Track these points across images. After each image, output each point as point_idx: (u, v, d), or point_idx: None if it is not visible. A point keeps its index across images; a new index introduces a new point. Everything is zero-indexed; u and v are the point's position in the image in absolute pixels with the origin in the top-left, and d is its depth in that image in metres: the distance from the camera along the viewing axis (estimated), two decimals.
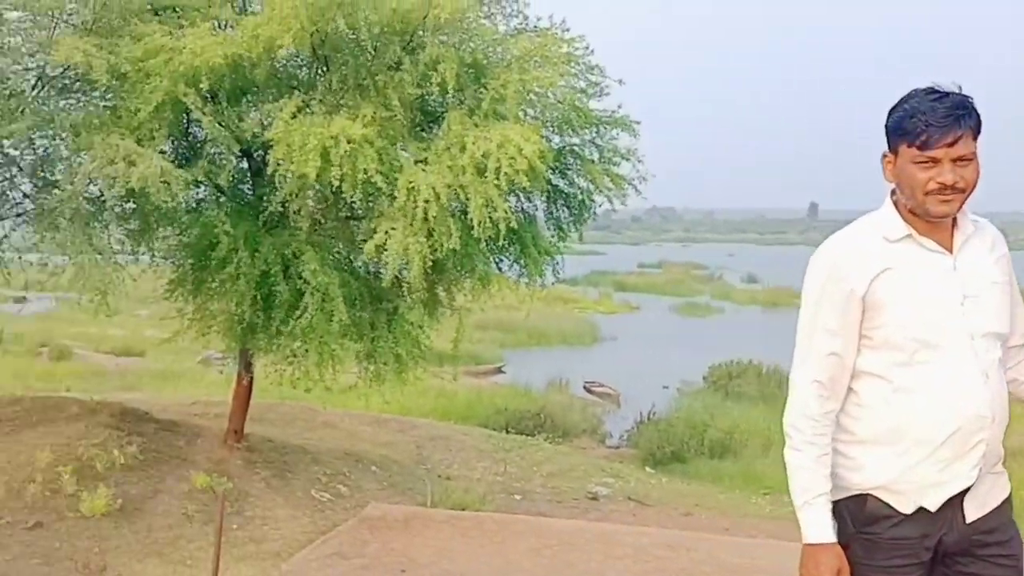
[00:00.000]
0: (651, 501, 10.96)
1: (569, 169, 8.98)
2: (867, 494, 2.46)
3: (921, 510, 2.43)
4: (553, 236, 9.26)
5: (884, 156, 2.50)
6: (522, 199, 8.81)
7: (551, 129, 8.41)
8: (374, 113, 6.92)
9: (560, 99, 8.17)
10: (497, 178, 6.74)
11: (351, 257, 8.36)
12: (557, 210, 9.22)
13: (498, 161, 6.70)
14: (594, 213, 9.44)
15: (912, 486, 2.43)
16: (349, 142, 6.54)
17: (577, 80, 8.40)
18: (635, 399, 19.45)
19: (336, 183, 6.61)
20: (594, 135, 8.78)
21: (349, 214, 7.79)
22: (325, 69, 7.57)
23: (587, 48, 8.22)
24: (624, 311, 41.49)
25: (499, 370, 24.11)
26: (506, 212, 6.93)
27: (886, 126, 2.46)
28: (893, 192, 2.53)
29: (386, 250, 6.83)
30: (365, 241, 7.26)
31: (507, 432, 14.53)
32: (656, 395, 19.53)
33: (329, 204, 7.46)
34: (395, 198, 6.75)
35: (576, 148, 8.84)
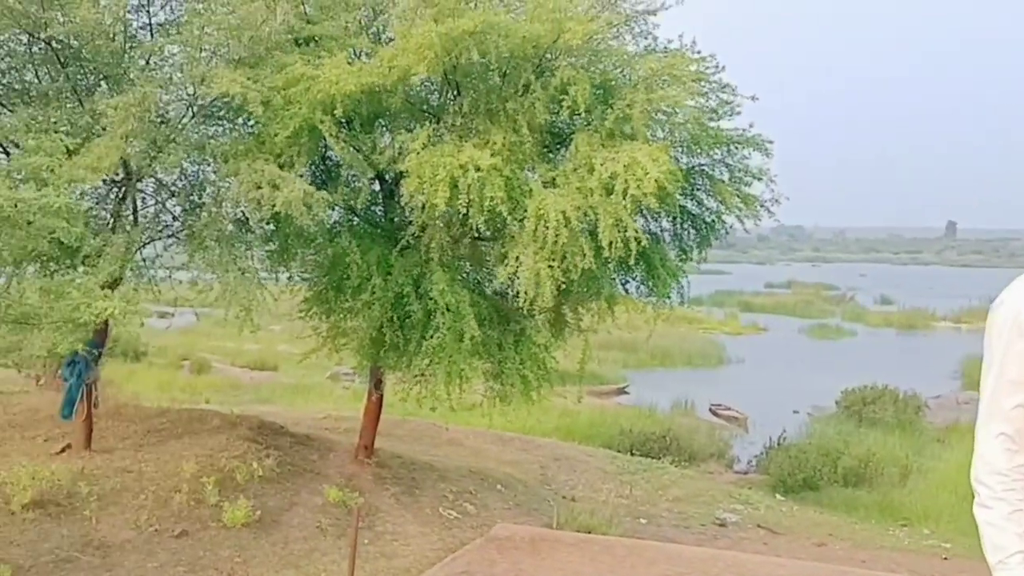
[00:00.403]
0: (782, 529, 10.63)
1: (698, 189, 8.87)
2: None
3: None
4: (677, 257, 9.15)
5: None
6: (649, 220, 8.75)
7: (680, 149, 8.33)
8: (504, 138, 7.01)
9: (688, 119, 8.09)
10: (624, 199, 6.71)
11: (479, 278, 8.48)
12: (683, 231, 9.11)
13: (626, 182, 6.68)
14: (724, 233, 9.29)
15: None
16: (478, 170, 6.65)
17: (707, 100, 8.30)
18: (763, 423, 18.97)
19: (464, 210, 6.72)
20: (724, 154, 8.65)
21: (478, 235, 7.90)
22: (456, 95, 7.72)
23: (717, 67, 8.12)
24: (751, 332, 40.60)
25: (622, 391, 23.92)
26: (636, 231, 6.89)
27: None
28: None
29: (518, 277, 6.89)
30: (494, 263, 7.35)
31: (631, 454, 14.36)
32: (786, 419, 19.00)
33: (457, 228, 7.58)
34: (524, 223, 6.81)
35: (706, 168, 8.72)
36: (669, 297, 8.83)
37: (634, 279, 8.90)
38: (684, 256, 9.22)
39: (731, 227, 8.93)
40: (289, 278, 8.82)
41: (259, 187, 7.00)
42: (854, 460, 14.23)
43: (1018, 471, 2.39)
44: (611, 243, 6.82)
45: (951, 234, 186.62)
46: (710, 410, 21.49)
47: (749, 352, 32.50)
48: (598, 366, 24.24)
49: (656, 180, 6.62)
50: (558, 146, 7.99)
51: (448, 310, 7.49)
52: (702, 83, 8.06)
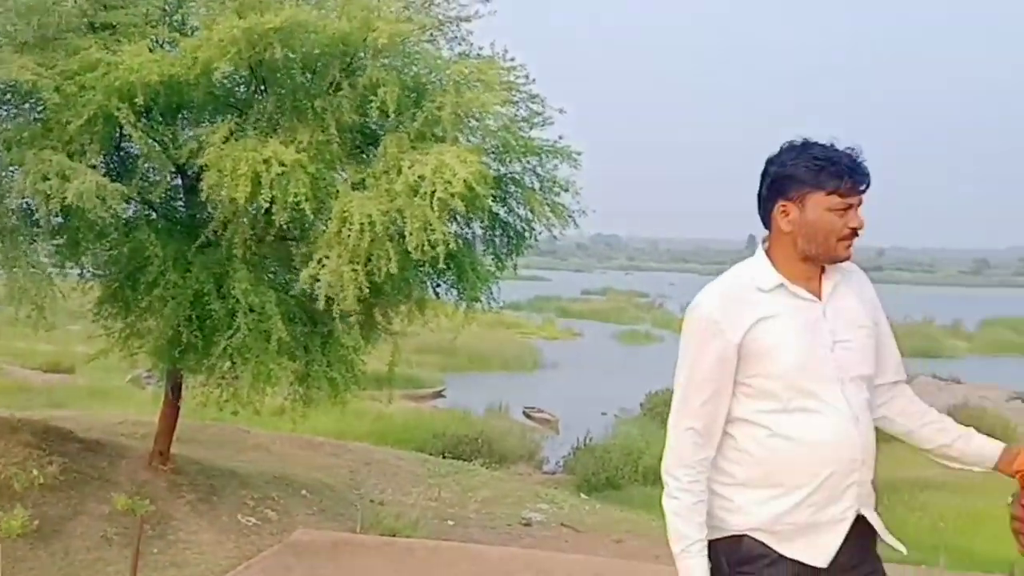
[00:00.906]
0: (584, 527, 10.97)
1: (509, 197, 9.02)
2: (743, 535, 2.51)
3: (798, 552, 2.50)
4: (491, 264, 9.27)
5: (780, 207, 2.55)
6: (461, 224, 8.83)
7: (491, 156, 8.45)
8: (311, 137, 6.89)
9: (500, 126, 8.22)
10: (432, 201, 6.72)
11: (287, 279, 8.29)
12: (495, 237, 9.24)
13: (433, 184, 6.69)
14: (534, 241, 9.48)
15: (789, 528, 2.49)
16: (282, 166, 6.50)
17: (517, 109, 8.47)
18: (574, 425, 19.53)
19: (267, 206, 6.57)
20: (535, 164, 8.84)
21: (283, 234, 7.73)
22: (263, 90, 7.53)
23: (528, 77, 8.29)
24: (567, 337, 41.68)
25: (439, 394, 24.03)
26: (444, 234, 6.92)
27: (790, 175, 2.52)
28: (765, 241, 2.60)
29: (319, 280, 6.78)
30: (301, 263, 7.21)
31: (443, 457, 14.45)
32: (594, 421, 19.62)
33: (261, 226, 7.39)
34: (328, 224, 6.72)
35: (517, 176, 8.88)
36: (479, 301, 8.94)
37: (445, 282, 8.95)
38: (498, 262, 9.35)
39: (540, 234, 9.14)
40: (80, 275, 8.34)
41: (47, 178, 6.58)
42: (655, 460, 14.83)
43: (703, 464, 2.52)
44: (418, 246, 6.82)
45: (751, 246, 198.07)
46: (524, 413, 21.92)
47: (564, 356, 33.38)
48: (415, 369, 24.26)
49: (464, 180, 6.66)
50: (368, 147, 7.93)
51: (252, 310, 7.29)
52: (513, 92, 8.21)
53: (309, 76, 7.46)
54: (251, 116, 7.20)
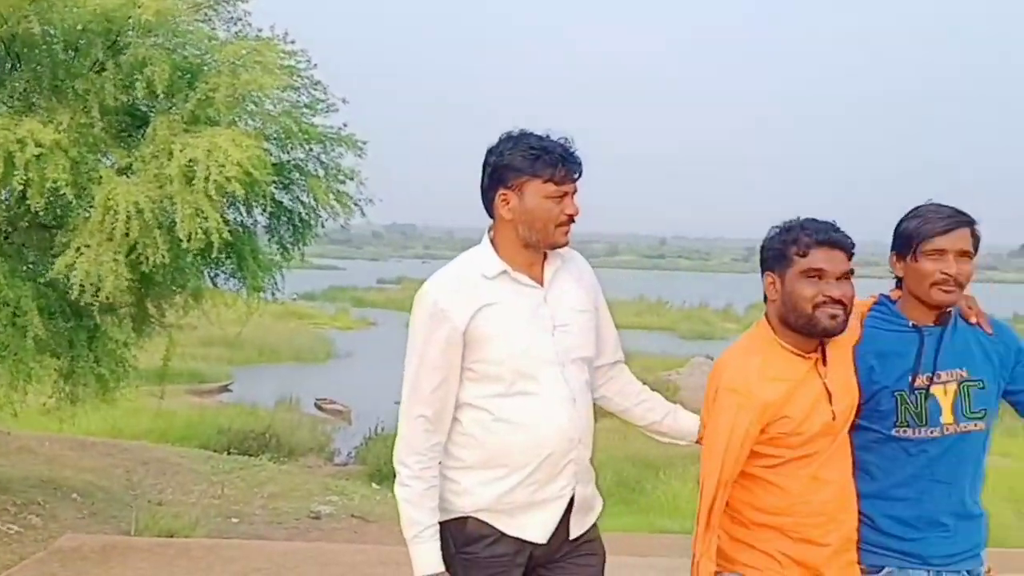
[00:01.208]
0: (374, 517, 10.94)
1: (293, 184, 8.82)
2: (469, 516, 2.62)
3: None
4: (276, 253, 9.05)
5: (501, 195, 2.65)
6: (242, 212, 8.56)
7: (273, 142, 8.24)
8: (72, 118, 6.45)
9: (281, 112, 8.02)
10: (207, 186, 6.46)
11: (45, 269, 7.74)
12: (280, 226, 9.01)
13: (207, 169, 6.44)
14: (320, 230, 9.32)
15: (510, 507, 2.60)
16: (38, 146, 6.06)
17: (300, 94, 8.29)
18: (367, 415, 19.40)
19: (20, 188, 6.11)
20: (319, 151, 8.69)
21: (42, 222, 7.21)
22: (17, 66, 6.98)
23: (309, 62, 8.13)
24: (361, 327, 41.35)
25: (225, 388, 23.22)
26: (218, 222, 6.67)
27: (507, 164, 2.62)
28: (490, 229, 2.71)
29: (75, 269, 6.37)
30: (61, 252, 6.75)
31: (229, 453, 13.99)
32: (387, 411, 19.57)
33: (15, 211, 6.86)
34: (91, 212, 6.32)
35: (300, 163, 8.70)
36: (262, 291, 8.70)
37: (224, 272, 8.65)
38: (284, 251, 9.11)
39: (325, 222, 8.99)
40: None
41: None
42: None
43: (435, 450, 2.60)
44: (190, 235, 6.55)
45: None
46: (315, 405, 21.59)
47: (358, 346, 33.09)
48: (200, 363, 23.32)
49: (239, 163, 6.44)
50: (137, 130, 7.52)
51: (7, 304, 6.77)
52: (294, 76, 8.03)
53: (71, 53, 6.98)
54: (2, 94, 6.66)
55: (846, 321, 2.57)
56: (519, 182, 2.61)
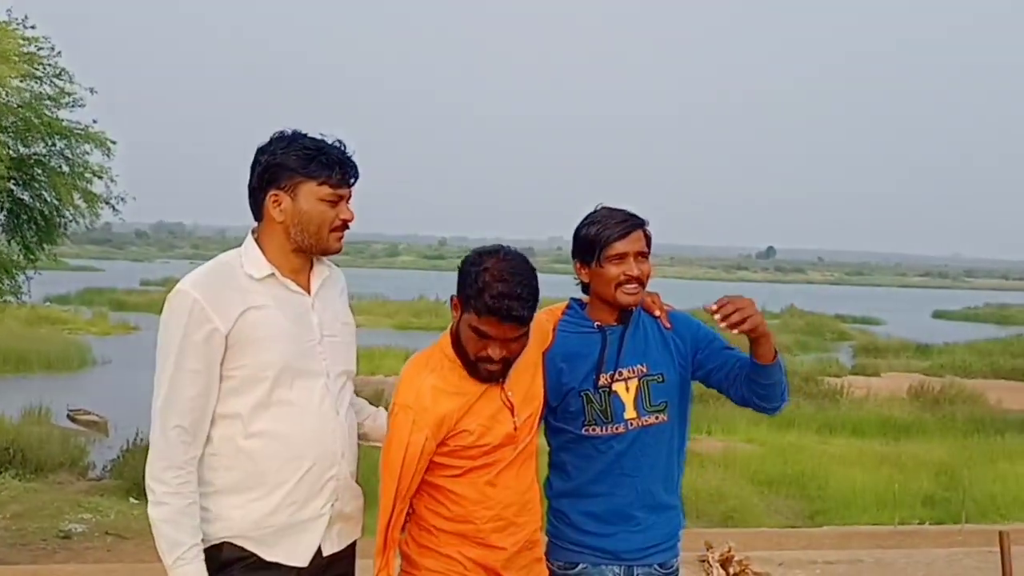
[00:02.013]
0: (131, 534, 10.34)
1: (35, 181, 8.24)
2: (223, 542, 2.40)
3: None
4: (17, 253, 8.42)
5: (272, 196, 2.47)
6: None
7: (10, 135, 7.65)
8: None
9: (21, 103, 7.47)
10: None
11: None
12: (21, 225, 8.39)
13: None
14: (78, 229, 8.76)
15: (269, 531, 2.42)
16: None
17: (42, 85, 7.76)
18: (126, 426, 18.23)
19: None
20: (63, 147, 8.16)
21: None
22: None
23: (53, 49, 7.61)
24: (122, 332, 38.78)
25: None
26: None
27: (280, 164, 2.46)
28: (255, 231, 2.52)
29: None
30: None
31: None
32: (149, 421, 18.54)
33: None
34: None
35: (42, 159, 8.13)
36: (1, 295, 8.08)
37: None
38: (28, 252, 8.49)
39: (70, 221, 8.45)
40: None
41: None
42: None
43: (192, 463, 2.37)
44: None
45: None
46: (68, 416, 20.09)
47: (118, 353, 31.05)
48: None
49: None
50: None
51: None
52: (35, 65, 7.50)
53: None
54: None
55: (507, 370, 2.58)
56: (293, 183, 2.46)
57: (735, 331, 2.58)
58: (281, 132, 2.51)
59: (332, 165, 2.46)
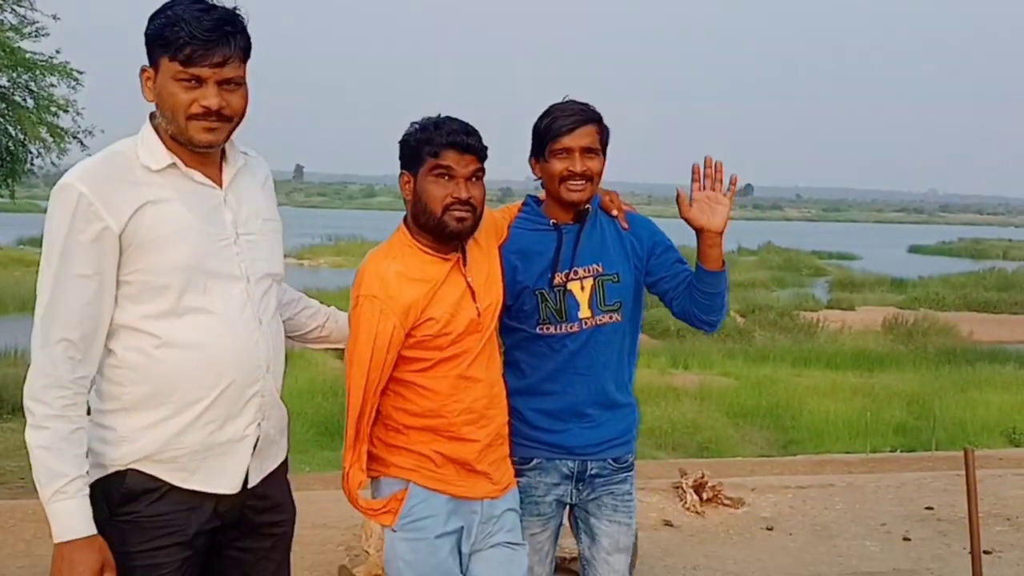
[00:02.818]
0: None
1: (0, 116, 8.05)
2: (128, 469, 2.13)
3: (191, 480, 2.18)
4: None
5: (143, 70, 2.17)
6: None
7: None
8: None
9: None
10: None
11: None
12: None
13: None
14: (30, 166, 8.57)
15: (182, 453, 2.15)
16: None
17: (2, 12, 7.54)
18: None
19: None
20: (28, 80, 7.97)
21: None
22: None
23: None
24: None
25: None
26: None
27: (146, 33, 2.15)
28: (153, 116, 2.20)
29: None
30: None
31: None
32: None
33: None
34: None
35: (5, 92, 7.94)
36: None
37: None
38: None
39: (36, 157, 8.28)
40: None
41: None
42: None
43: (82, 384, 2.09)
44: None
45: (299, 177, 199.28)
46: None
47: None
48: None
49: None
50: None
51: None
52: None
53: None
54: None
55: (474, 224, 2.55)
56: (155, 57, 2.11)
57: (707, 191, 2.69)
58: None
59: (184, 36, 2.04)
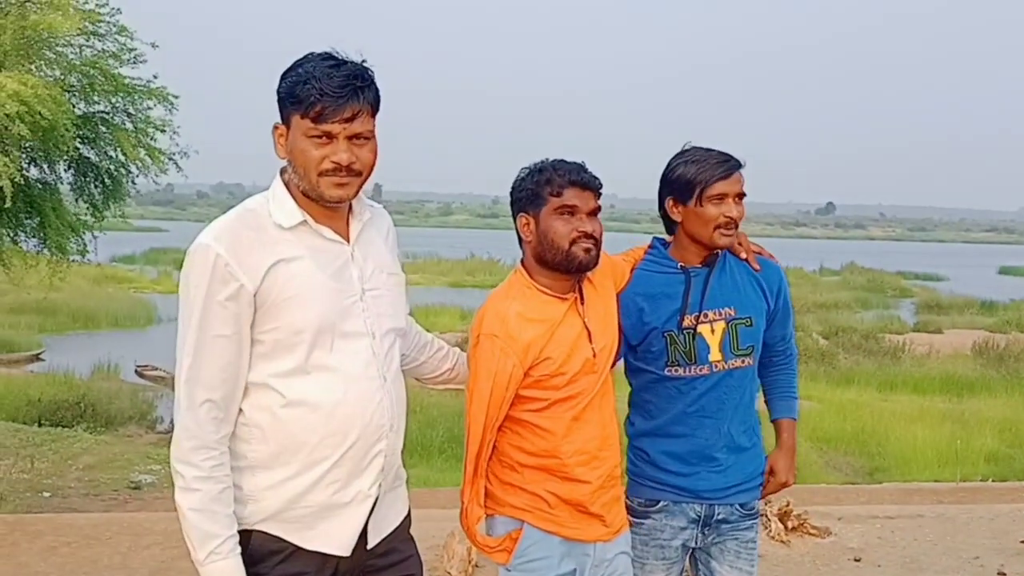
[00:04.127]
0: None
1: (100, 139, 8.37)
2: (252, 530, 2.16)
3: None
4: (86, 213, 8.58)
5: (275, 128, 2.20)
6: (44, 168, 8.08)
7: (76, 93, 7.77)
8: None
9: (84, 60, 7.58)
10: None
11: None
12: (88, 183, 8.54)
13: None
14: (142, 190, 8.88)
15: (305, 513, 2.16)
16: None
17: (104, 42, 7.85)
18: None
19: None
20: (127, 104, 8.26)
21: None
22: None
23: (112, 8, 7.71)
24: None
25: (37, 357, 21.89)
26: (8, 164, 6.21)
27: (278, 92, 2.18)
28: (284, 171, 2.22)
29: None
30: None
31: (40, 425, 13.23)
32: None
33: None
34: None
35: (106, 116, 8.25)
36: (67, 252, 8.26)
37: (25, 232, 8.15)
38: (95, 211, 8.62)
39: (136, 178, 8.56)
40: None
41: None
42: None
43: (225, 442, 2.12)
44: None
45: (377, 195, 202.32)
46: (136, 371, 20.65)
47: None
48: (7, 331, 21.89)
49: (21, 98, 5.99)
50: None
51: None
52: (96, 23, 7.59)
53: None
54: None
55: (598, 256, 2.59)
56: (286, 114, 2.14)
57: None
58: (310, 53, 2.17)
59: (315, 93, 2.06)
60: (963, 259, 74.67)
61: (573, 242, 2.53)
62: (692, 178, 2.71)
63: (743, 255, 2.83)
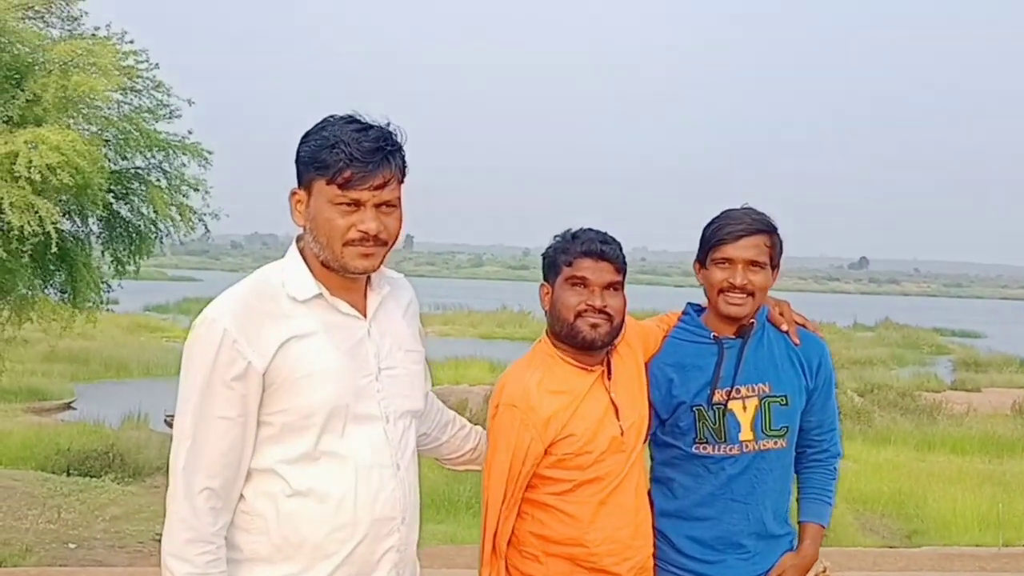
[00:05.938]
0: None
1: (132, 194, 8.45)
2: None
3: None
4: (110, 267, 8.64)
5: (293, 193, 2.08)
6: (77, 221, 8.16)
7: (111, 148, 7.88)
8: None
9: (120, 116, 7.69)
10: (30, 172, 6.07)
11: None
12: (115, 238, 8.58)
13: (29, 159, 6.09)
14: (159, 243, 8.94)
15: None
16: None
17: (140, 97, 7.96)
18: None
19: None
20: (161, 160, 8.36)
21: None
22: None
23: (151, 63, 7.83)
24: None
25: (68, 406, 22.01)
26: (50, 211, 6.31)
27: (298, 155, 2.07)
28: (300, 239, 2.12)
29: None
30: None
31: (68, 475, 13.23)
32: None
33: None
34: None
35: (141, 172, 8.34)
36: (90, 303, 8.32)
37: (54, 284, 8.22)
38: (119, 264, 8.65)
39: (164, 235, 8.63)
40: None
41: None
42: None
43: (222, 534, 1.98)
44: (22, 227, 6.14)
45: (409, 246, 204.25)
46: (165, 421, 20.68)
47: None
48: (39, 379, 22.07)
49: (61, 150, 6.10)
50: None
51: None
52: (133, 79, 7.71)
53: None
54: None
55: (611, 332, 2.44)
56: (307, 180, 2.01)
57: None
58: (330, 116, 2.06)
59: (343, 158, 1.93)
60: (1001, 315, 73.52)
61: (579, 315, 2.40)
62: (706, 238, 2.57)
63: (784, 327, 2.64)
